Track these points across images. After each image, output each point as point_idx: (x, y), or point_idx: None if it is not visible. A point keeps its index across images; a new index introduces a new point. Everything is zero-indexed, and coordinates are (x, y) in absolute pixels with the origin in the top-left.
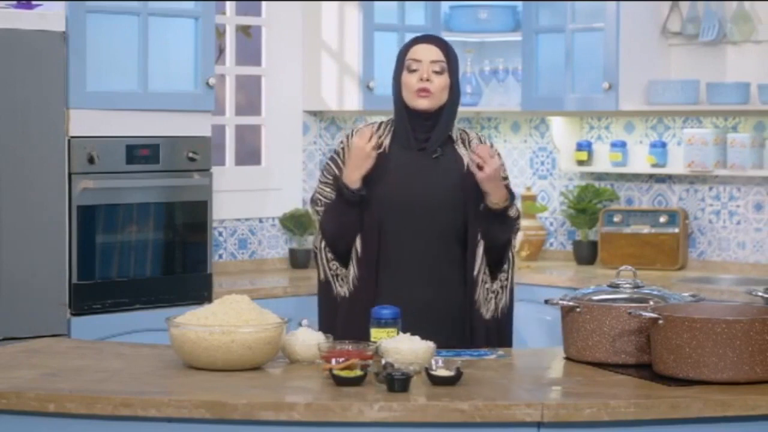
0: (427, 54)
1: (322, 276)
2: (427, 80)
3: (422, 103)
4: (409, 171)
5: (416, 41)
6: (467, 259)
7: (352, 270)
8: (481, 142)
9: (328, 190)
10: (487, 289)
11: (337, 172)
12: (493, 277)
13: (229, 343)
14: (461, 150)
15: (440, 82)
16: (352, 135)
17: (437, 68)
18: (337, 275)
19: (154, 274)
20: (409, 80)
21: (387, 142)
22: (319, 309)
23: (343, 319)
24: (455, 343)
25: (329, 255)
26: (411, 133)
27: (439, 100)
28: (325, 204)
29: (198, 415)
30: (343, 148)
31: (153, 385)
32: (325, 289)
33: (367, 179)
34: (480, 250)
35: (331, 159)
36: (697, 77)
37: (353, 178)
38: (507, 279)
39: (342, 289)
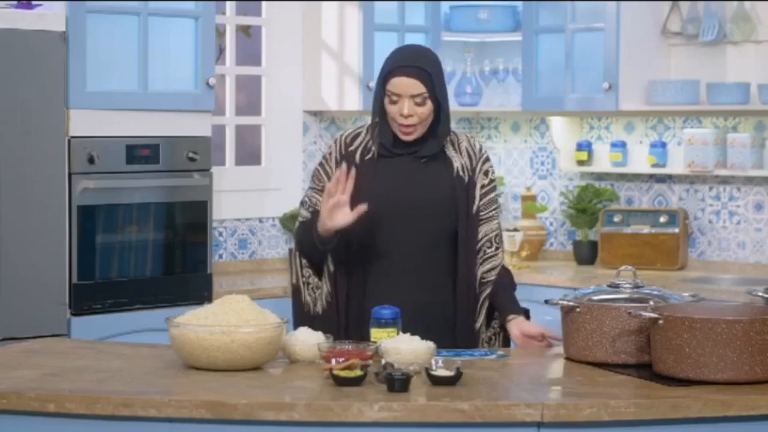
0: (406, 88)
1: (294, 280)
2: (410, 116)
3: (403, 138)
4: (397, 176)
5: (394, 71)
6: (458, 264)
7: (325, 287)
8: (470, 143)
9: (317, 196)
10: (483, 340)
11: (325, 177)
12: (488, 324)
13: (229, 343)
14: (450, 152)
15: (423, 112)
16: (340, 140)
17: (418, 100)
18: (308, 283)
19: (154, 274)
20: (391, 110)
21: (374, 148)
22: (292, 315)
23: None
24: (447, 346)
25: (303, 261)
26: (398, 144)
27: (424, 127)
28: (306, 219)
29: (198, 415)
30: (331, 153)
31: (153, 385)
32: (295, 294)
33: (356, 184)
34: (484, 307)
35: (320, 165)
36: (697, 77)
37: (323, 232)
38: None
39: (313, 304)
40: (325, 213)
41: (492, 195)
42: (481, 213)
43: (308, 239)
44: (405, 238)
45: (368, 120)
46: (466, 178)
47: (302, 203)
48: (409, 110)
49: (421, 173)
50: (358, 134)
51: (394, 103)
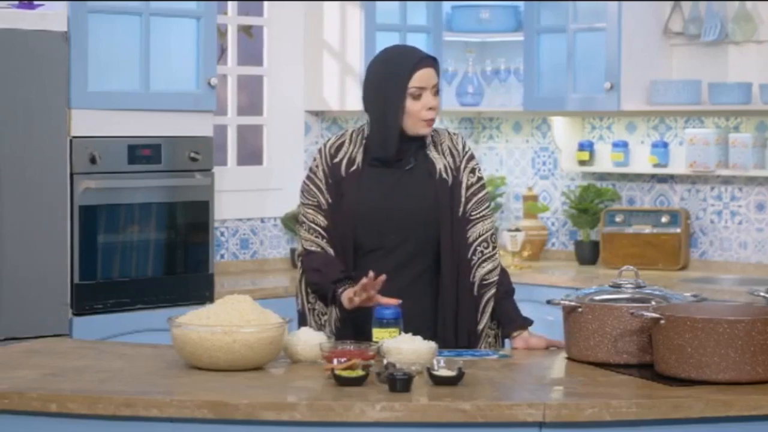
0: (429, 79)
1: (299, 306)
2: (433, 107)
3: (427, 131)
4: (384, 187)
5: (420, 63)
6: (441, 271)
7: (334, 312)
8: (452, 142)
9: (311, 212)
10: (489, 343)
11: (316, 191)
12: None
13: (230, 343)
14: (433, 154)
15: (438, 102)
16: (325, 151)
17: (434, 91)
18: (314, 309)
19: (156, 274)
20: (415, 108)
21: (359, 157)
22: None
23: None
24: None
25: (309, 289)
26: (397, 153)
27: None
28: (312, 255)
29: (200, 415)
30: (318, 166)
31: (155, 385)
32: (300, 320)
33: (342, 197)
34: (488, 309)
35: (308, 178)
36: (698, 77)
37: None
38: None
39: (323, 329)
40: (349, 303)
41: (482, 194)
42: (473, 213)
43: (320, 290)
44: (391, 249)
45: (368, 119)
46: (450, 179)
47: (300, 223)
48: (434, 102)
49: (406, 181)
50: (342, 144)
51: (417, 98)
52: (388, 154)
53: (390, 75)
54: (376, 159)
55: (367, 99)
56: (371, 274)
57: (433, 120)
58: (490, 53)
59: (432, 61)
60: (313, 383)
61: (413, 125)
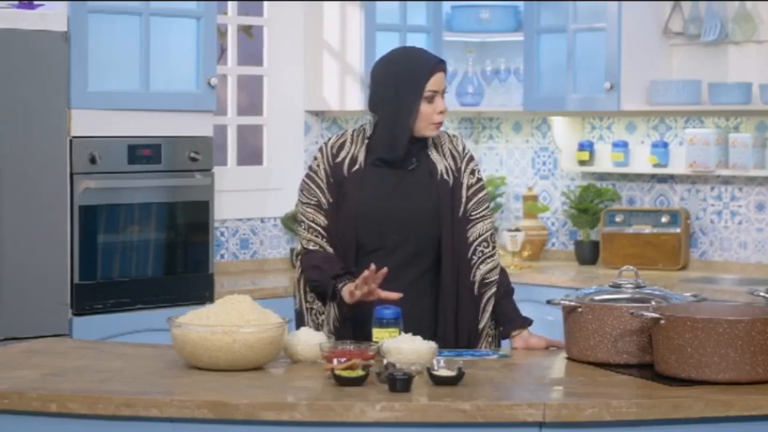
0: (442, 83)
1: (297, 305)
2: (442, 112)
3: (434, 134)
4: (386, 187)
5: (436, 67)
6: (442, 271)
7: (333, 311)
8: (453, 144)
9: (310, 211)
10: (489, 342)
11: (316, 190)
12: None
13: (230, 343)
14: (434, 155)
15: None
16: (326, 150)
17: (442, 94)
18: (311, 308)
19: (156, 274)
20: (427, 111)
21: (361, 157)
22: None
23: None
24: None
25: (307, 287)
26: (404, 154)
27: None
28: (312, 254)
29: (200, 415)
30: (319, 165)
31: (155, 385)
32: (298, 320)
33: (343, 197)
34: (488, 309)
35: (309, 177)
36: (698, 77)
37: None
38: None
39: (316, 329)
40: (350, 297)
41: (481, 194)
42: (473, 213)
43: (319, 287)
44: (392, 249)
45: (370, 120)
46: (451, 180)
47: (299, 222)
48: (444, 105)
49: (408, 182)
50: (343, 143)
51: (431, 101)
52: (396, 155)
53: (407, 77)
54: (380, 159)
55: (377, 100)
56: (372, 267)
57: (441, 123)
58: (490, 53)
59: (444, 66)
60: (313, 383)
61: (424, 128)
